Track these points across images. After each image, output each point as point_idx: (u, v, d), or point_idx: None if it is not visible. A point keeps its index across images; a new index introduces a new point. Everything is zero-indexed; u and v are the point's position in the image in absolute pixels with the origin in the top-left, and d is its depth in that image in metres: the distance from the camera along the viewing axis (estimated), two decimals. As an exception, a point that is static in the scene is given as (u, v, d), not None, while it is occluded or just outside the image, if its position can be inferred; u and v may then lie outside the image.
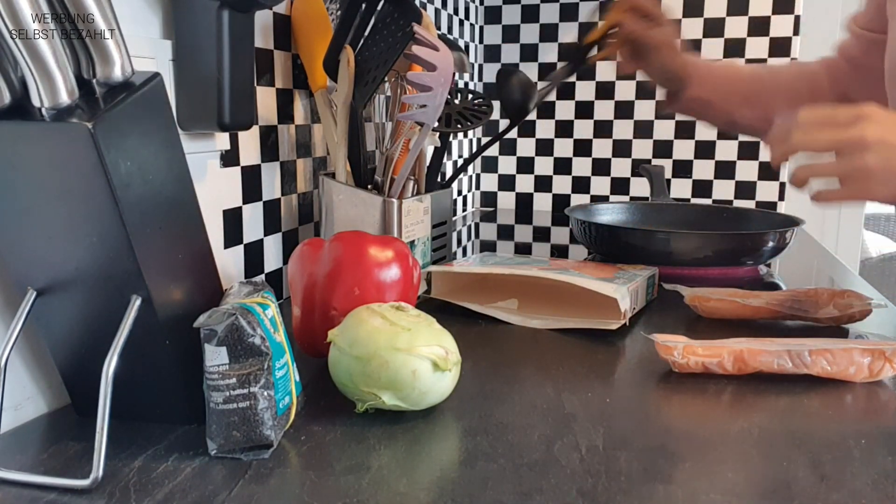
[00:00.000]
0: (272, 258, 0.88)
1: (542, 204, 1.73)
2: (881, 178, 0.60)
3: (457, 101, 0.95)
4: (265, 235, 0.86)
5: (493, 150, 1.75)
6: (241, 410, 0.49)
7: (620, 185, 1.67)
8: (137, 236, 0.47)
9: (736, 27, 1.53)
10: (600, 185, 1.68)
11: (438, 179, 0.96)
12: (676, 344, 0.65)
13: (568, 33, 1.65)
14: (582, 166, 1.69)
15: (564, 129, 1.69)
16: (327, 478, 0.46)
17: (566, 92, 1.67)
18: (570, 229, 1.48)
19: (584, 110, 1.66)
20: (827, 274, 1.09)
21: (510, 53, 1.70)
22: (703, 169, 1.60)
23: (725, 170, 1.59)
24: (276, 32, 0.85)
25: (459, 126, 0.91)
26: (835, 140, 0.62)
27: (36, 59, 0.43)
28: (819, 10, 2.18)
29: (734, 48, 1.54)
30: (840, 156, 0.62)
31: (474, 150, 1.71)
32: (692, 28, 1.56)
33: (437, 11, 1.39)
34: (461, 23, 1.55)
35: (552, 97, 1.68)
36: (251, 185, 0.82)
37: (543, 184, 1.72)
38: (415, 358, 0.53)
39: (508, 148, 1.73)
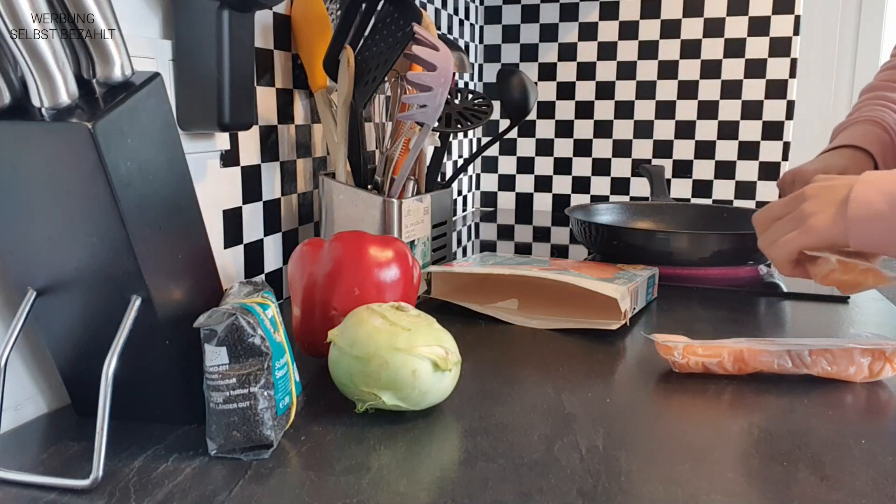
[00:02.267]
0: (272, 258, 0.88)
1: (542, 204, 1.73)
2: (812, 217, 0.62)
3: (457, 101, 0.95)
4: (265, 235, 0.86)
5: (493, 150, 1.75)
6: (241, 410, 0.49)
7: (620, 185, 1.67)
8: (137, 236, 0.47)
9: (736, 27, 1.53)
10: (600, 185, 1.68)
11: (438, 179, 0.96)
12: (676, 344, 0.65)
13: (568, 33, 1.65)
14: (582, 166, 1.69)
15: (564, 129, 1.69)
16: (327, 478, 0.46)
17: (566, 92, 1.67)
18: (570, 229, 1.48)
19: (584, 110, 1.66)
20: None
21: (510, 53, 1.70)
22: (704, 169, 1.60)
23: (725, 170, 1.59)
24: (276, 32, 0.85)
25: (459, 126, 0.91)
26: (787, 229, 0.64)
27: (36, 59, 0.43)
28: (819, 10, 2.18)
29: (734, 48, 1.54)
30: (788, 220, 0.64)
31: (474, 150, 1.71)
32: (692, 28, 1.56)
33: (437, 11, 1.39)
34: (461, 23, 1.55)
35: (552, 97, 1.68)
36: (251, 185, 0.82)
37: (543, 184, 1.72)
38: (415, 358, 0.53)
39: (508, 148, 1.73)
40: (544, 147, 1.71)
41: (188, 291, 0.53)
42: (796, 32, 1.51)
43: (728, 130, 1.58)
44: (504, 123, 1.75)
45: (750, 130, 1.56)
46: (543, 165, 1.72)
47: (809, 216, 0.62)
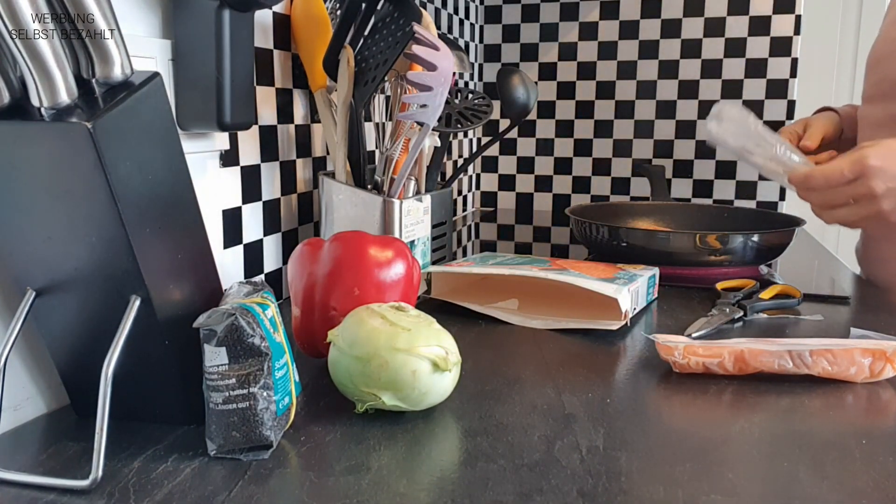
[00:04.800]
0: (272, 258, 0.87)
1: (543, 204, 1.73)
2: (893, 214, 0.76)
3: (457, 101, 0.95)
4: (265, 235, 0.86)
5: (493, 150, 1.75)
6: (241, 411, 0.48)
7: (620, 185, 1.67)
8: (137, 236, 0.47)
9: (737, 27, 1.53)
10: (600, 185, 1.68)
11: (438, 179, 0.96)
12: (677, 344, 0.65)
13: (568, 33, 1.64)
14: (582, 166, 1.69)
15: (564, 129, 1.69)
16: (327, 478, 0.46)
17: (566, 92, 1.67)
18: (570, 229, 1.48)
19: (584, 110, 1.66)
20: (827, 274, 1.09)
21: (510, 53, 1.69)
22: (704, 169, 1.60)
23: (726, 170, 1.59)
24: (276, 32, 0.85)
25: (459, 126, 0.91)
26: (852, 210, 0.76)
27: (36, 59, 0.43)
28: (820, 10, 2.18)
29: (734, 48, 1.54)
30: (857, 204, 0.76)
31: (474, 150, 1.71)
32: (693, 28, 1.56)
33: (437, 11, 1.39)
34: (461, 22, 1.55)
35: (552, 97, 1.68)
36: (251, 185, 0.82)
37: (543, 184, 1.72)
38: (415, 358, 0.53)
39: (508, 148, 1.73)
40: (544, 147, 1.71)
41: (188, 291, 0.53)
42: (797, 32, 1.51)
43: (728, 130, 1.57)
44: (504, 123, 1.75)
45: (750, 130, 1.56)
46: (543, 165, 1.72)
47: (888, 214, 0.74)
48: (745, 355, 0.64)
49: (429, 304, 0.86)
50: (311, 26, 0.87)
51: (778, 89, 1.53)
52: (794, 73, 1.52)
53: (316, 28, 0.88)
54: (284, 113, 0.88)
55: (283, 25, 0.86)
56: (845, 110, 1.06)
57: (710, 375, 0.65)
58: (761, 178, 1.58)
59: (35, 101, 0.44)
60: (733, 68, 1.55)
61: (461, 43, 1.56)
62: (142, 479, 0.46)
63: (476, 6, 1.65)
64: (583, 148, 1.68)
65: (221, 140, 0.75)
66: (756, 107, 1.55)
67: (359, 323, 0.55)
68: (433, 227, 0.92)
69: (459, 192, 1.64)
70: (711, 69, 1.56)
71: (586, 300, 0.83)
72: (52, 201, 0.47)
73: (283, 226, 0.89)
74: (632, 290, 0.79)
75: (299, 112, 0.91)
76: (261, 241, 0.85)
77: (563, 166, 1.70)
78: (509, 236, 1.41)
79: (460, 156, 1.62)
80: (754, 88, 1.54)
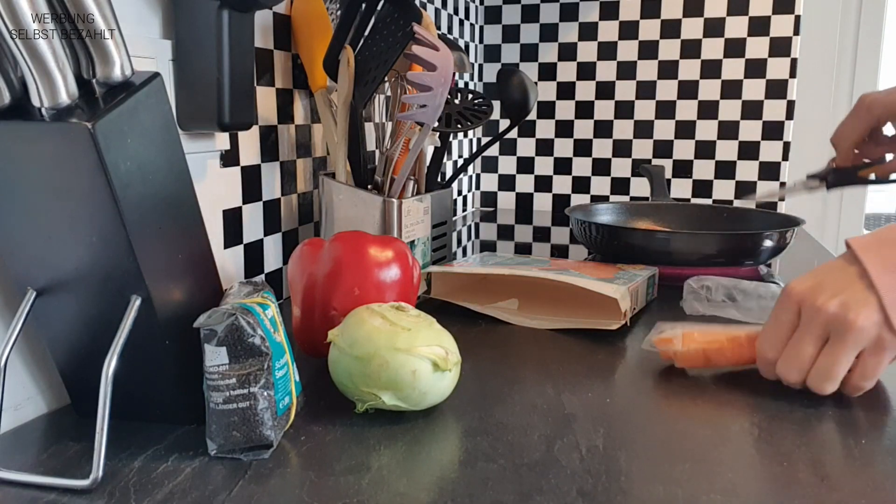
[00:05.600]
0: (272, 258, 0.88)
1: (542, 204, 1.73)
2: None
3: (457, 101, 0.95)
4: (265, 235, 0.86)
5: (493, 150, 1.75)
6: (241, 410, 0.49)
7: (620, 185, 1.67)
8: (137, 236, 0.47)
9: (736, 27, 1.53)
10: (600, 185, 1.68)
11: (438, 179, 0.96)
12: (675, 333, 0.65)
13: (568, 33, 1.65)
14: (582, 166, 1.69)
15: (564, 129, 1.69)
16: (327, 478, 0.46)
17: (566, 92, 1.67)
18: (570, 229, 1.48)
19: (584, 110, 1.66)
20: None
21: (510, 53, 1.70)
22: (704, 169, 1.60)
23: (725, 170, 1.59)
24: (276, 32, 0.85)
25: (459, 126, 0.91)
26: (832, 354, 0.57)
27: (36, 59, 0.43)
28: (819, 10, 2.18)
29: (734, 48, 1.54)
30: (832, 343, 0.57)
31: (474, 150, 1.71)
32: (692, 28, 1.56)
33: (437, 11, 1.39)
34: (461, 23, 1.55)
35: (552, 97, 1.68)
36: (251, 185, 0.82)
37: (543, 184, 1.72)
38: (415, 358, 0.53)
39: (508, 148, 1.73)
40: (544, 147, 1.71)
41: (188, 291, 0.53)
42: (796, 32, 1.51)
43: (728, 130, 1.58)
44: (504, 123, 1.75)
45: (750, 130, 1.56)
46: (543, 165, 1.72)
47: (878, 325, 0.54)
48: (743, 340, 0.64)
49: (429, 304, 0.86)
50: (311, 26, 0.88)
51: (777, 90, 1.53)
52: (793, 74, 1.52)
53: (316, 28, 0.88)
54: (284, 113, 0.88)
55: (283, 25, 0.86)
56: None
57: (709, 375, 0.65)
58: (761, 177, 1.58)
59: (35, 102, 0.44)
60: (733, 68, 1.55)
61: (461, 43, 1.56)
62: (142, 479, 0.46)
63: (476, 6, 1.65)
64: (583, 148, 1.68)
65: (221, 140, 0.75)
66: (755, 107, 1.55)
67: (359, 323, 0.56)
68: (433, 227, 0.92)
69: (459, 192, 1.64)
70: (711, 69, 1.56)
71: (586, 300, 0.83)
72: (52, 201, 0.47)
73: (284, 226, 0.90)
74: (631, 290, 0.79)
75: (299, 112, 0.91)
76: (261, 241, 0.85)
77: (563, 166, 1.70)
78: (509, 236, 1.41)
79: (460, 156, 1.62)
80: (753, 89, 1.54)
